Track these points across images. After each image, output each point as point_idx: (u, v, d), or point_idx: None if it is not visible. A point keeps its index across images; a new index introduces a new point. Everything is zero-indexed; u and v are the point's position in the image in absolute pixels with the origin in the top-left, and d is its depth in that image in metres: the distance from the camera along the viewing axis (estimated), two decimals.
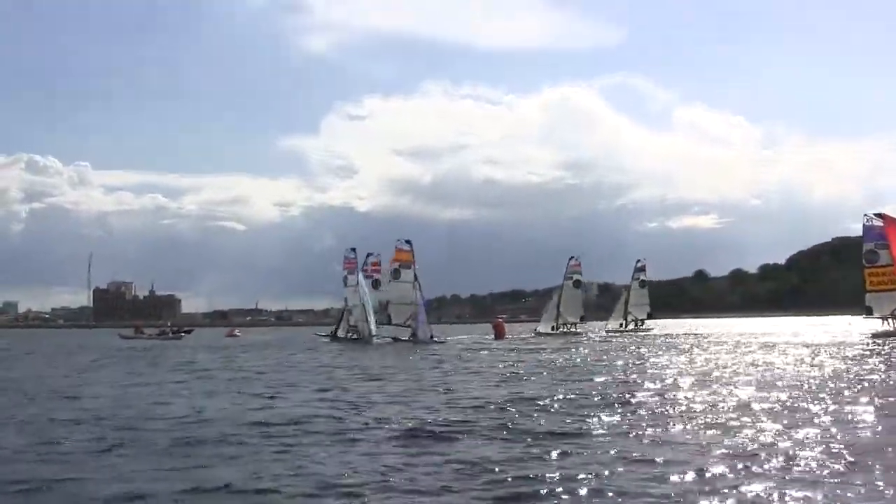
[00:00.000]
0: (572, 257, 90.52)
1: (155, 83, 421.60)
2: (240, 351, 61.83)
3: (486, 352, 55.09)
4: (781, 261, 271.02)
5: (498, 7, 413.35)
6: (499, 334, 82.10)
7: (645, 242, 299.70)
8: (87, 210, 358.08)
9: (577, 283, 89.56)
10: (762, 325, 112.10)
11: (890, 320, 63.48)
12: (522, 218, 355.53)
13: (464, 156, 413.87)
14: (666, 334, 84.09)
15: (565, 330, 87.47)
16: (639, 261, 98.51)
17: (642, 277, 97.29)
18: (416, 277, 72.29)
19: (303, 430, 17.33)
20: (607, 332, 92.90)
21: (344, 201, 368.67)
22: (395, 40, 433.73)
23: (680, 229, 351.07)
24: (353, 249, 75.86)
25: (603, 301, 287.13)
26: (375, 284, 75.01)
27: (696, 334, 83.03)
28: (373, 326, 71.22)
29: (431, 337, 71.11)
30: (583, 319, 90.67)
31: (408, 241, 73.49)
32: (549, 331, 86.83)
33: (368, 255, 77.17)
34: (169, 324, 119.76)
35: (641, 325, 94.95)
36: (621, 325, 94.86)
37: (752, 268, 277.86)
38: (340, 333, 76.14)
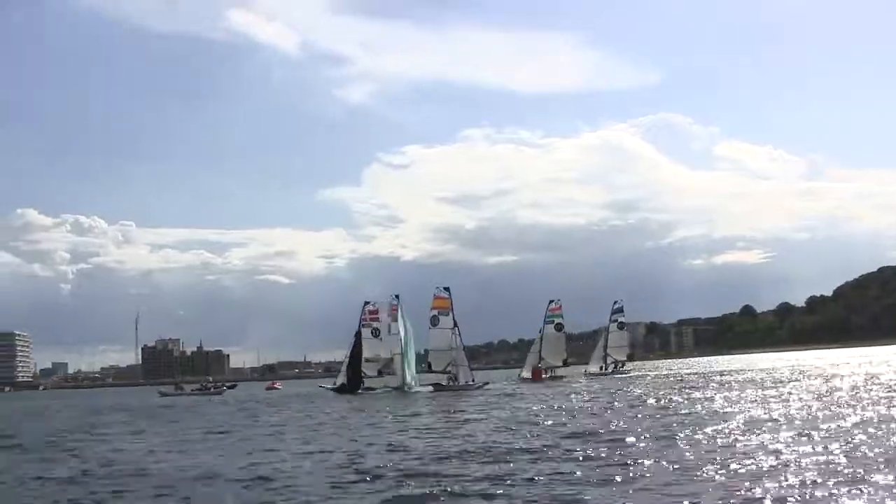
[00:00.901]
0: (552, 301, 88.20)
1: (197, 140, 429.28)
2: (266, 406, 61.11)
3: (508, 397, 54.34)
4: (828, 292, 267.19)
5: (533, 51, 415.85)
6: (535, 377, 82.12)
7: (690, 280, 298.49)
8: (133, 268, 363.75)
9: (559, 327, 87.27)
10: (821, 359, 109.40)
11: None
12: (568, 260, 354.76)
13: (507, 200, 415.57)
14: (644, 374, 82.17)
15: (548, 374, 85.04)
16: (616, 302, 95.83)
17: (621, 319, 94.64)
18: (455, 324, 71.68)
19: None
20: (586, 374, 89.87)
21: (389, 251, 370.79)
22: (433, 88, 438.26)
23: (725, 265, 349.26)
24: (397, 296, 74.90)
25: (650, 340, 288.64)
26: (375, 333, 74.97)
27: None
28: (409, 375, 70.80)
29: (473, 381, 70.62)
30: (566, 363, 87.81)
31: (446, 288, 72.60)
32: (529, 376, 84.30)
33: (366, 303, 76.75)
34: (210, 379, 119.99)
35: (622, 367, 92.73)
36: (601, 368, 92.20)
37: (799, 301, 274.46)
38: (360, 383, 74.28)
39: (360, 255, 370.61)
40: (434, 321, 71.44)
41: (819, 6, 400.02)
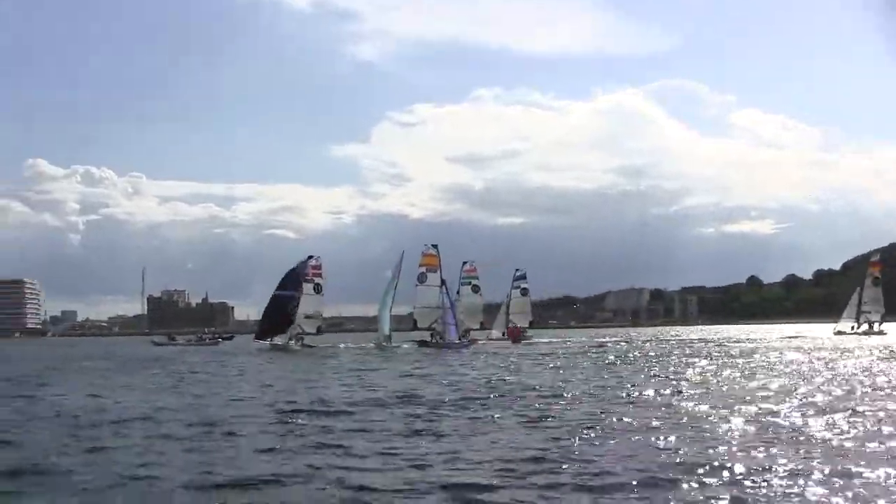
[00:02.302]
0: (466, 262, 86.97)
1: (208, 94, 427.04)
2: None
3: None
4: (837, 266, 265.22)
5: (548, 12, 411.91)
6: (513, 339, 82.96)
7: (699, 248, 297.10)
8: (141, 220, 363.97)
9: (476, 289, 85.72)
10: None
11: None
12: (575, 224, 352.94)
13: (516, 162, 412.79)
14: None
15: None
16: (517, 270, 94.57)
17: (523, 286, 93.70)
18: (443, 282, 71.95)
19: None
20: (488, 339, 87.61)
21: (397, 208, 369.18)
22: (445, 47, 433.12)
23: (735, 234, 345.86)
24: (403, 252, 75.17)
25: (655, 307, 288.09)
26: (317, 289, 74.79)
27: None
28: (385, 330, 70.82)
29: (461, 339, 70.81)
30: (482, 326, 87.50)
31: (434, 245, 73.06)
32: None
33: (309, 257, 76.76)
34: (206, 330, 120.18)
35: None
36: (504, 334, 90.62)
37: (806, 274, 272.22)
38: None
39: (369, 212, 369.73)
40: (421, 278, 71.85)
41: None
